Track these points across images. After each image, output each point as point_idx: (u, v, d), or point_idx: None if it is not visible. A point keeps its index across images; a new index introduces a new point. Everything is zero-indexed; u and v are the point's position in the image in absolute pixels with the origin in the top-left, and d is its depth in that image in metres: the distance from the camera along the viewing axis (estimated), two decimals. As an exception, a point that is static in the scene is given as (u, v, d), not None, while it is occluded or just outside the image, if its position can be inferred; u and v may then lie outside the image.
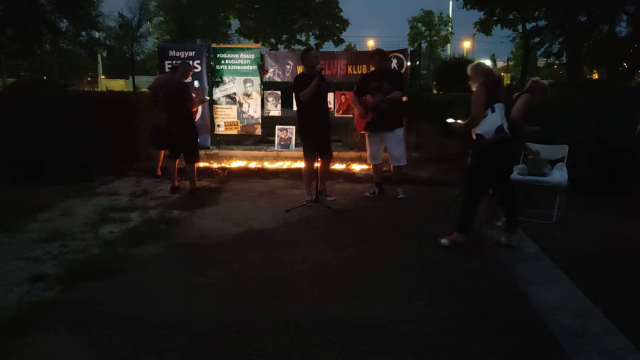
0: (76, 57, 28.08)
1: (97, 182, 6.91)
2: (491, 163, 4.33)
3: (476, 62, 4.84)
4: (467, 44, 48.11)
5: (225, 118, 8.76)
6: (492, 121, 4.30)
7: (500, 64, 51.63)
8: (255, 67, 8.64)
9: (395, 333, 2.97)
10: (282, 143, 8.71)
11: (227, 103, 8.75)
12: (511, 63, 52.95)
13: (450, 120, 4.88)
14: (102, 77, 37.38)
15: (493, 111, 4.31)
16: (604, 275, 3.92)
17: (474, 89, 4.42)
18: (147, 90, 14.33)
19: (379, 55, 6.20)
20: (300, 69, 8.35)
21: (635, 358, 2.74)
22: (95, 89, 27.04)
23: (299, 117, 5.94)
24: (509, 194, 4.55)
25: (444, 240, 4.44)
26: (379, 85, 6.00)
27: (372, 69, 6.40)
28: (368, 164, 6.76)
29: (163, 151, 7.13)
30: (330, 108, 7.49)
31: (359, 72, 8.47)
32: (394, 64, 8.35)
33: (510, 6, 21.31)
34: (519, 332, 2.98)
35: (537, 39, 25.19)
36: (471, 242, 4.44)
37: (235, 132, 8.85)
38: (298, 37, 33.46)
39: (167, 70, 8.23)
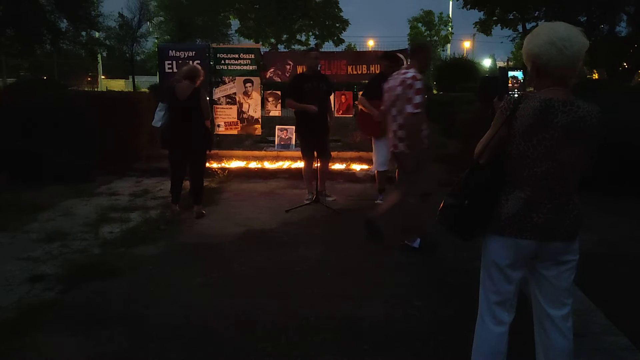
0: (76, 57, 28.05)
1: (97, 182, 6.92)
2: None
3: None
4: (467, 44, 48.09)
5: (225, 118, 8.75)
6: None
7: (500, 64, 51.56)
8: (255, 67, 8.64)
9: (395, 333, 2.97)
10: (282, 143, 8.70)
11: (227, 103, 8.75)
12: (511, 63, 52.87)
13: None
14: (102, 77, 37.32)
15: None
16: (605, 276, 3.92)
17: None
18: (147, 90, 14.35)
19: (394, 56, 6.03)
20: (300, 69, 8.38)
21: (635, 358, 2.74)
22: (95, 89, 27.02)
23: (296, 116, 5.95)
24: None
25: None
26: None
27: (379, 70, 6.24)
28: (374, 169, 6.12)
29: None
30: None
31: (359, 73, 8.46)
32: None
33: (510, 6, 21.26)
34: (519, 331, 2.98)
35: (537, 39, 25.09)
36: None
37: (235, 132, 8.84)
38: (298, 37, 33.49)
39: (167, 70, 8.29)
